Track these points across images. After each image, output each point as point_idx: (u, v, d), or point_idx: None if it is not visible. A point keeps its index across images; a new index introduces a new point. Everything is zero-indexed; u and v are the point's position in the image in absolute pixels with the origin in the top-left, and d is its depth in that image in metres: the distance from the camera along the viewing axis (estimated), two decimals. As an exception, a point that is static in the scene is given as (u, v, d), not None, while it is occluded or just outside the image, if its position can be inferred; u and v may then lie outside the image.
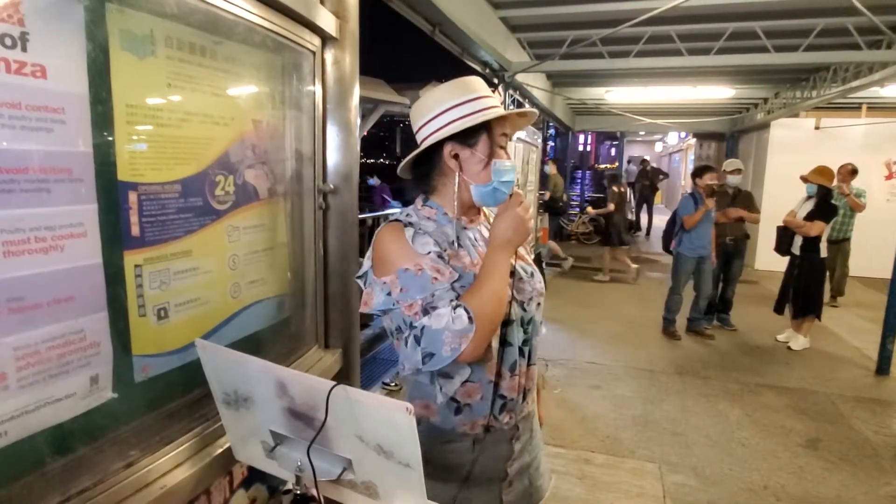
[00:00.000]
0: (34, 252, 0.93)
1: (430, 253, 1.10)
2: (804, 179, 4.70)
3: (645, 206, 12.79)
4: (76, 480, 0.98)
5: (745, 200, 5.24)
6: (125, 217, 1.10)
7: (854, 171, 5.89)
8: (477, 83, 1.17)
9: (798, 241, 4.76)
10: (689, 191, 5.17)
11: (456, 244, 1.16)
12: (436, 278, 1.06)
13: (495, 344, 1.14)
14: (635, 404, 3.79)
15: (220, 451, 1.19)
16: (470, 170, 1.16)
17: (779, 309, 5.05)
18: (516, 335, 1.17)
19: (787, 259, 4.97)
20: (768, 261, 7.16)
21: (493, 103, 1.16)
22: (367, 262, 1.17)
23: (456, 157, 1.15)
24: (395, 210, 6.12)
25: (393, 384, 3.94)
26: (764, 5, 4.53)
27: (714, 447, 3.23)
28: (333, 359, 1.74)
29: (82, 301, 1.02)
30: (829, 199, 4.59)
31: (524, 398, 1.24)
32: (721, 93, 7.94)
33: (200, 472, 1.13)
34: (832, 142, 8.12)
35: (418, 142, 1.18)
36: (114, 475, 1.01)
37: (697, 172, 5.07)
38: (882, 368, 4.37)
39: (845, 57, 5.20)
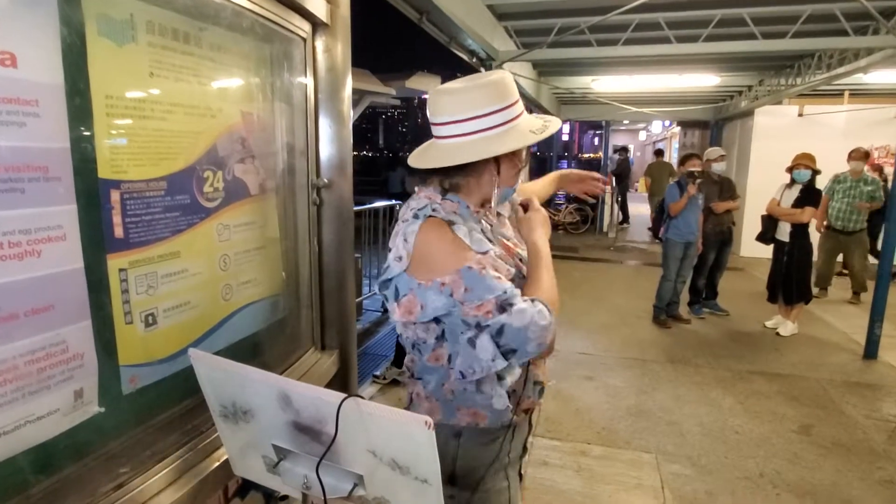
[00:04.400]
0: (8, 258, 0.85)
1: (488, 252, 1.08)
2: (795, 167, 4.65)
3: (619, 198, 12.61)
4: (62, 503, 0.91)
5: (730, 188, 5.29)
6: (107, 218, 1.03)
7: (867, 154, 5.91)
8: (513, 85, 1.14)
9: (785, 228, 4.75)
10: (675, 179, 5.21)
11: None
12: (498, 278, 1.04)
13: None
14: (629, 394, 3.79)
15: (217, 465, 1.12)
16: (506, 174, 1.16)
17: (772, 298, 5.04)
18: None
19: (765, 247, 5.00)
20: (753, 248, 7.24)
21: (522, 107, 1.15)
22: (396, 266, 1.08)
23: (497, 161, 1.12)
24: (383, 202, 6.02)
25: (382, 377, 3.88)
26: (752, -9, 4.52)
27: (708, 436, 3.23)
28: (331, 360, 1.67)
29: (63, 310, 0.94)
30: (815, 184, 4.62)
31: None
32: (707, 80, 7.93)
33: (196, 488, 1.07)
34: (815, 128, 8.18)
35: (446, 134, 1.12)
36: (104, 497, 0.94)
37: (682, 160, 5.15)
38: (870, 353, 4.42)
39: (833, 43, 5.19)
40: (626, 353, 4.57)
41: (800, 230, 4.66)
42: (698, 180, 4.87)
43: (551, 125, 1.15)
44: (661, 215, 5.33)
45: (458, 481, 1.17)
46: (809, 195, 4.57)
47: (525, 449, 1.34)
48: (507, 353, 1.03)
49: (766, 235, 4.94)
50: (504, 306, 1.01)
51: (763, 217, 4.94)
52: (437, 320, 1.09)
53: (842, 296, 6.30)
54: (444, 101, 1.11)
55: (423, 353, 1.14)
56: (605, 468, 2.87)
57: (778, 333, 4.96)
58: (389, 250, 1.12)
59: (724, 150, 5.54)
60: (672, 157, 14.84)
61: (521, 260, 1.21)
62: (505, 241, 1.23)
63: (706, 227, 5.27)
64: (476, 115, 1.08)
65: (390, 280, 1.09)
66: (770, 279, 5.04)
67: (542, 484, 2.69)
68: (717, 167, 5.24)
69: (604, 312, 5.66)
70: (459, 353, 1.08)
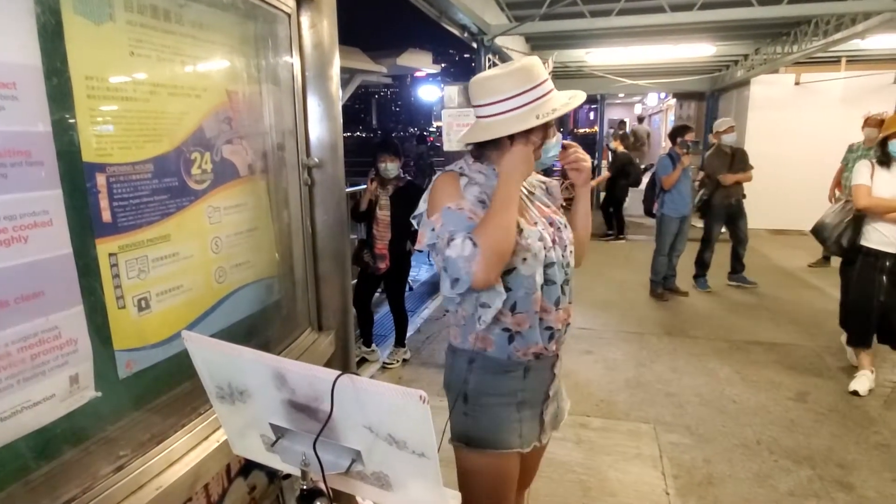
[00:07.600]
0: (-6, 245, 0.84)
1: (471, 199, 1.30)
2: (891, 137, 3.05)
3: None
4: (63, 487, 0.92)
5: (743, 158, 5.20)
6: (94, 202, 1.01)
7: (883, 122, 5.24)
8: (539, 68, 1.31)
9: (885, 231, 3.09)
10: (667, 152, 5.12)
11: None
12: (471, 218, 1.24)
13: (540, 281, 1.30)
14: (627, 367, 3.82)
15: (217, 445, 1.13)
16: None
17: (863, 340, 3.36)
18: (558, 275, 1.34)
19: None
20: (759, 220, 7.21)
21: (549, 87, 1.32)
22: (422, 205, 1.35)
23: (511, 139, 1.30)
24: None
25: (393, 362, 3.87)
26: (747, -44, 4.43)
27: (706, 405, 3.27)
28: (328, 341, 1.67)
29: (54, 296, 0.93)
30: None
31: (566, 330, 1.42)
32: (702, 50, 7.83)
33: (197, 468, 1.07)
34: (812, 97, 8.11)
35: (479, 114, 1.33)
36: (104, 479, 0.95)
37: (678, 132, 4.98)
38: (865, 320, 4.42)
39: (830, 8, 5.10)
40: (625, 326, 4.60)
41: None
42: (690, 150, 4.80)
43: (562, 108, 1.30)
44: (652, 191, 5.27)
45: (469, 400, 1.37)
46: None
47: (547, 395, 1.44)
48: (453, 282, 1.21)
49: (839, 242, 3.39)
50: (449, 241, 1.21)
51: (856, 216, 3.25)
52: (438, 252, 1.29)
53: (836, 263, 6.32)
54: (480, 84, 1.32)
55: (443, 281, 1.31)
56: (605, 439, 2.91)
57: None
58: None
59: (732, 120, 5.44)
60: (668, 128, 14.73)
61: (550, 223, 1.37)
62: (542, 206, 1.42)
63: (714, 200, 5.21)
64: (504, 97, 1.28)
65: (420, 214, 1.35)
66: (857, 307, 3.34)
67: (544, 457, 2.73)
68: (728, 138, 5.16)
69: (602, 287, 5.67)
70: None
